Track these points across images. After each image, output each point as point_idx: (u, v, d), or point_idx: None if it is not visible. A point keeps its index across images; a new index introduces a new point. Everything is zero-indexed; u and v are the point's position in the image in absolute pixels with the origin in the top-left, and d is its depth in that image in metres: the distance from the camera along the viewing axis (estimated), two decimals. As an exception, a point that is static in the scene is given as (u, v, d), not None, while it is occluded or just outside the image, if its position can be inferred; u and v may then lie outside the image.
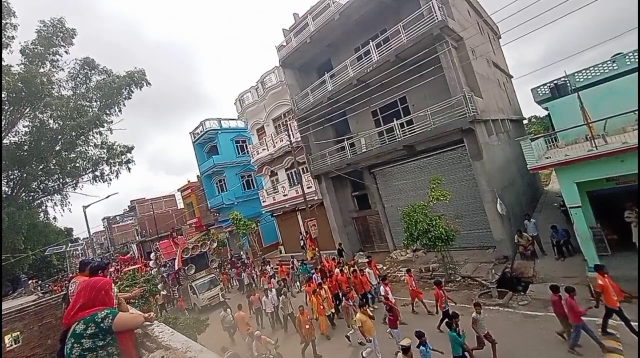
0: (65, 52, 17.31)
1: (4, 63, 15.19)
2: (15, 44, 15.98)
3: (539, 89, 17.41)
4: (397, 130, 14.43)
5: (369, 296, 11.27)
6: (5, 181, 17.31)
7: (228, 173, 29.15)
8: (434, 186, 12.57)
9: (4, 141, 16.26)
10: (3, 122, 15.79)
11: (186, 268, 17.73)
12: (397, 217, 14.62)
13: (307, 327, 8.93)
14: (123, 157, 20.03)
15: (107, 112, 18.40)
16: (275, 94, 21.36)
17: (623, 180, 9.25)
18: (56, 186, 19.41)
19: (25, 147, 16.88)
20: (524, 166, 11.24)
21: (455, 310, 7.56)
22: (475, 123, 12.35)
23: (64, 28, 16.72)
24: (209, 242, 20.66)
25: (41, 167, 17.57)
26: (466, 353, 6.61)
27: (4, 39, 15.30)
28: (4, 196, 16.75)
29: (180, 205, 42.23)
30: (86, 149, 19.39)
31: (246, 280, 18.63)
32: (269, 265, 19.38)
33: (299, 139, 18.81)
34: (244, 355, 10.10)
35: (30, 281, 28.80)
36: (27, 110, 16.40)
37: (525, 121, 31.44)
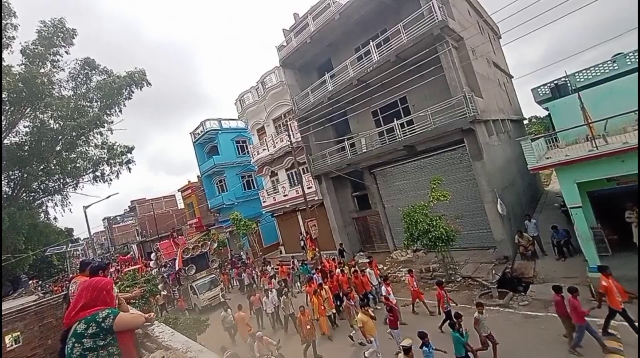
0: (66, 52, 17.34)
1: (4, 63, 15.21)
2: (15, 45, 16.02)
3: (539, 89, 17.40)
4: (398, 130, 14.43)
5: (370, 296, 11.26)
6: (6, 181, 17.33)
7: (228, 173, 29.17)
8: (435, 186, 12.57)
9: (5, 141, 16.28)
10: (4, 123, 15.81)
11: (187, 268, 17.74)
12: (398, 217, 14.62)
13: (308, 327, 8.92)
14: (123, 157, 20.05)
15: (108, 112, 18.41)
16: (276, 94, 21.37)
17: (623, 180, 9.24)
18: (57, 187, 19.43)
19: (26, 147, 16.90)
20: (524, 166, 11.23)
21: (457, 311, 7.53)
22: (475, 123, 12.34)
23: (64, 28, 16.74)
24: (209, 242, 20.67)
25: (42, 167, 17.59)
26: (469, 353, 6.59)
27: (4, 39, 15.32)
28: (5, 196, 16.77)
29: (181, 205, 42.27)
30: (87, 150, 19.41)
31: (246, 280, 18.63)
32: (270, 265, 19.38)
33: (299, 139, 18.82)
34: (244, 355, 10.12)
35: (30, 282, 28.83)
36: (28, 110, 16.42)
37: (525, 121, 31.42)
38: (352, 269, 12.32)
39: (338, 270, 12.84)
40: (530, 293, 9.73)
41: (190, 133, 32.53)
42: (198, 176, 34.11)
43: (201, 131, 30.45)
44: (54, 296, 7.48)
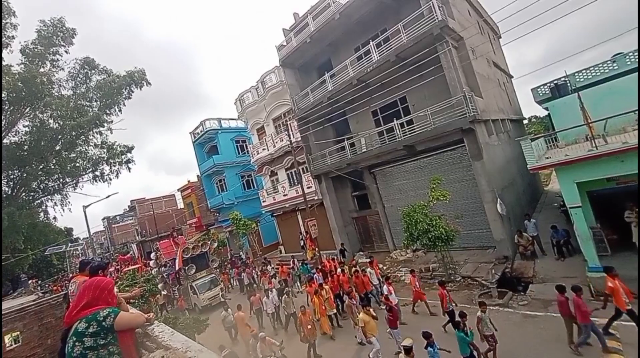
0: (66, 52, 17.30)
1: (4, 63, 15.18)
2: (15, 44, 15.98)
3: (539, 89, 17.40)
4: (397, 130, 14.43)
5: (370, 296, 11.25)
6: (6, 180, 17.31)
7: (228, 173, 29.16)
8: (434, 186, 12.57)
9: (4, 140, 16.26)
10: (3, 122, 15.79)
11: (186, 268, 17.74)
12: (397, 217, 14.63)
13: (309, 327, 8.90)
14: (123, 157, 20.02)
15: (107, 112, 18.39)
16: (276, 93, 21.36)
17: (623, 180, 9.25)
18: (56, 186, 19.40)
19: (26, 147, 16.87)
20: (524, 166, 11.23)
21: (462, 310, 7.49)
22: (475, 123, 12.35)
23: (64, 28, 16.70)
24: (209, 242, 20.65)
25: (41, 167, 17.57)
26: (474, 352, 6.59)
27: (4, 38, 15.29)
28: (4, 195, 16.74)
29: (180, 205, 42.26)
30: (86, 149, 19.38)
31: (246, 280, 18.62)
32: (270, 265, 19.37)
33: (299, 139, 18.81)
34: (244, 355, 10.13)
35: (30, 281, 28.80)
36: (27, 110, 16.39)
37: (525, 121, 31.46)
38: (353, 269, 12.32)
39: (339, 270, 12.83)
40: (529, 292, 9.74)
41: (190, 133, 32.52)
42: (198, 176, 34.11)
43: (201, 131, 30.44)
44: (54, 296, 7.47)
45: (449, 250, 12.29)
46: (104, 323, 2.13)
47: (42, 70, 16.30)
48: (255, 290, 16.70)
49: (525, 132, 25.84)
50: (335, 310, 10.86)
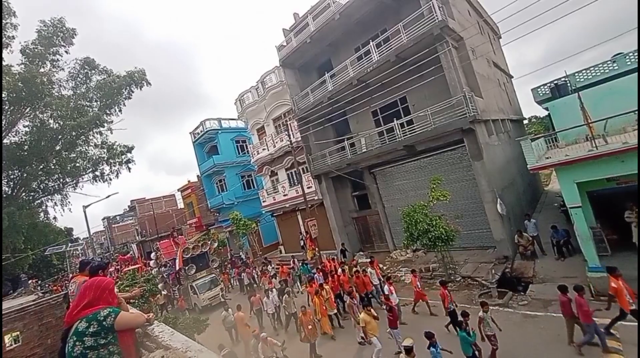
0: (66, 52, 17.30)
1: (4, 63, 15.19)
2: (15, 44, 15.98)
3: (539, 89, 17.40)
4: (397, 130, 14.43)
5: (370, 297, 11.22)
6: (6, 180, 17.31)
7: (228, 173, 29.17)
8: (434, 186, 12.57)
9: (4, 140, 16.26)
10: (3, 122, 15.79)
11: (187, 268, 17.73)
12: (397, 217, 14.62)
13: (310, 327, 8.88)
14: (123, 157, 20.02)
15: (107, 112, 18.39)
16: (276, 94, 21.36)
17: (623, 180, 9.26)
18: (56, 186, 19.40)
19: (26, 147, 16.88)
20: (524, 166, 11.23)
21: (465, 310, 7.49)
22: (475, 123, 12.35)
23: (64, 28, 16.71)
24: (209, 242, 20.65)
25: (41, 167, 17.57)
26: (477, 352, 6.58)
27: (4, 38, 15.29)
28: (4, 195, 16.75)
29: (181, 205, 42.27)
30: (86, 149, 19.38)
31: (246, 280, 18.62)
32: (270, 265, 19.36)
33: (299, 139, 18.82)
34: (244, 355, 10.12)
35: (30, 281, 28.77)
36: (28, 110, 16.39)
37: (525, 121, 31.45)
38: (354, 269, 12.31)
39: (339, 270, 12.83)
40: (529, 292, 9.75)
41: (190, 133, 32.53)
42: (198, 176, 34.12)
43: (201, 131, 30.45)
44: (54, 295, 7.47)
45: (449, 250, 12.28)
46: (104, 322, 2.13)
47: (42, 70, 16.30)
48: (256, 290, 16.69)
49: (526, 133, 25.84)
50: (335, 310, 10.84)
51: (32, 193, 18.76)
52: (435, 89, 13.75)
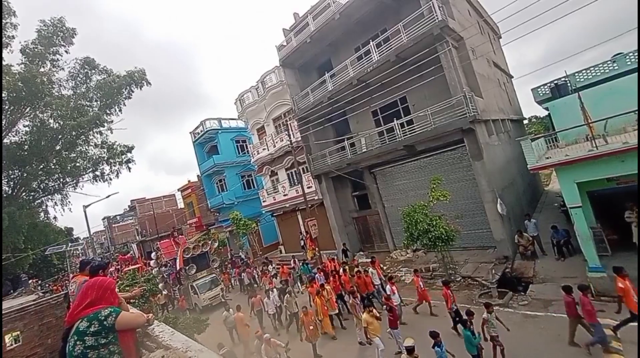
0: (66, 51, 17.33)
1: (4, 63, 15.19)
2: (15, 44, 16.01)
3: (539, 89, 17.41)
4: (398, 130, 14.42)
5: (372, 297, 11.19)
6: (6, 180, 17.32)
7: (228, 173, 29.17)
8: (434, 186, 12.56)
9: (5, 140, 16.27)
10: (3, 122, 15.80)
11: (187, 267, 17.73)
12: (398, 217, 14.62)
13: (311, 327, 8.84)
14: (123, 157, 20.04)
15: (108, 111, 18.40)
16: (276, 93, 21.36)
17: (623, 180, 9.25)
18: (56, 186, 19.42)
19: (26, 146, 16.89)
20: (524, 166, 11.23)
21: (470, 309, 7.46)
22: (475, 123, 12.35)
23: (64, 28, 16.72)
24: (210, 242, 20.65)
25: (41, 166, 17.58)
26: (481, 352, 6.57)
27: (4, 38, 15.30)
28: (5, 195, 16.76)
29: (181, 205, 42.27)
30: (86, 149, 19.40)
31: (246, 280, 18.62)
32: (271, 265, 19.35)
33: (299, 139, 18.82)
34: (244, 355, 10.12)
35: (30, 281, 28.80)
36: (28, 110, 16.41)
37: (525, 121, 31.44)
38: (355, 269, 12.29)
39: (341, 270, 12.82)
40: (529, 292, 9.74)
41: (190, 133, 32.54)
42: (198, 176, 34.13)
43: (201, 131, 30.46)
44: (54, 295, 7.47)
45: (449, 250, 12.28)
46: (105, 322, 2.14)
47: (42, 70, 16.31)
48: (256, 290, 16.69)
49: (526, 133, 25.84)
50: (337, 310, 10.81)
51: (32, 193, 18.78)
52: (435, 89, 13.75)
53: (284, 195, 21.64)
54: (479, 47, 15.62)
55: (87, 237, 26.60)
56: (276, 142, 21.59)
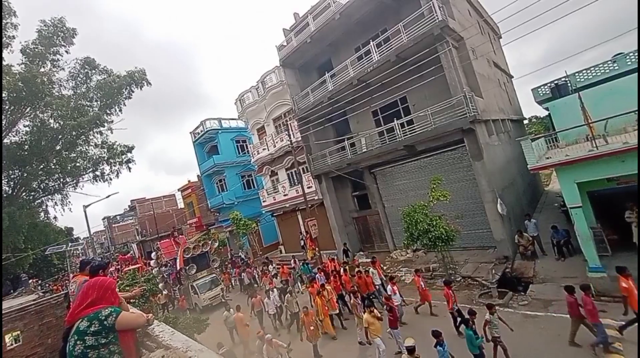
0: (66, 51, 17.35)
1: (4, 63, 15.21)
2: (16, 44, 16.03)
3: (539, 89, 17.41)
4: (398, 130, 14.42)
5: (372, 297, 11.17)
6: (6, 180, 17.34)
7: (228, 173, 29.17)
8: (435, 186, 12.56)
9: (5, 140, 16.29)
10: (4, 122, 15.82)
11: (187, 267, 17.74)
12: (398, 217, 14.62)
13: (312, 328, 8.81)
14: (123, 157, 20.07)
15: (108, 111, 18.43)
16: (276, 93, 21.36)
17: (624, 180, 9.24)
18: (57, 186, 19.45)
19: (26, 146, 16.91)
20: (524, 166, 11.23)
21: (472, 308, 7.46)
22: (475, 123, 12.34)
23: (64, 28, 16.73)
24: (210, 242, 20.65)
25: (42, 166, 17.60)
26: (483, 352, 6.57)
27: (4, 38, 15.31)
28: (5, 195, 16.78)
29: (181, 205, 42.26)
30: (86, 149, 19.44)
31: (246, 280, 18.62)
32: (272, 265, 19.36)
33: (299, 139, 18.82)
34: (244, 355, 10.11)
35: (30, 281, 28.83)
36: (28, 110, 16.42)
37: (525, 121, 31.44)
38: (356, 269, 12.28)
39: (342, 270, 12.81)
40: (530, 293, 9.73)
41: (190, 133, 32.54)
42: (198, 176, 34.13)
43: (201, 131, 30.46)
44: (54, 295, 7.48)
45: (449, 250, 12.27)
46: (105, 322, 2.14)
47: (42, 70, 16.33)
48: (256, 290, 16.69)
49: (526, 133, 25.83)
50: (337, 310, 10.79)
51: (32, 193, 18.80)
52: (435, 89, 13.75)
53: (284, 195, 21.64)
54: (479, 47, 15.62)
55: (87, 237, 26.62)
56: (276, 142, 21.60)
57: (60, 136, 17.39)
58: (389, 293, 9.38)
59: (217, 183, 30.79)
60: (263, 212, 25.88)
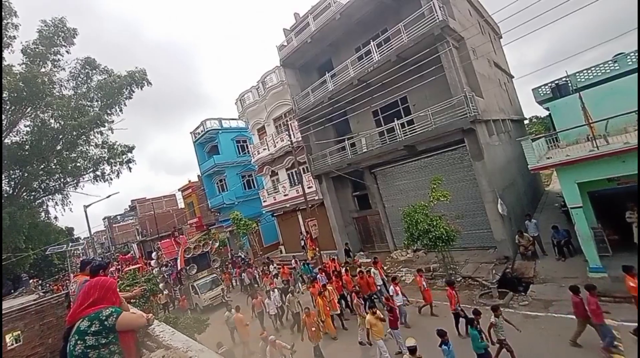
0: (67, 51, 17.32)
1: (5, 63, 15.22)
2: (16, 44, 16.01)
3: (540, 89, 17.41)
4: (398, 130, 14.42)
5: (374, 298, 11.14)
6: (7, 180, 17.35)
7: (229, 173, 29.19)
8: (435, 186, 12.55)
9: (5, 140, 16.29)
10: (4, 122, 15.82)
11: (188, 267, 17.75)
12: (398, 217, 14.61)
13: (314, 329, 8.79)
14: (124, 157, 20.06)
15: (108, 111, 18.41)
16: (276, 93, 21.37)
17: (624, 180, 9.24)
18: (57, 186, 19.44)
19: (27, 146, 16.90)
20: (524, 166, 11.22)
21: (477, 308, 7.44)
22: (476, 123, 12.33)
23: (65, 28, 16.72)
24: (211, 242, 20.67)
25: (42, 166, 17.60)
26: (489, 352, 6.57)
27: (5, 38, 15.32)
28: (5, 195, 16.79)
29: (181, 205, 42.28)
30: (87, 149, 19.42)
31: (247, 280, 18.62)
32: (272, 265, 19.38)
33: (300, 139, 18.82)
34: (244, 355, 10.10)
35: (31, 281, 28.91)
36: (29, 110, 16.42)
37: (526, 121, 31.41)
38: (358, 270, 12.26)
39: (343, 270, 12.81)
40: (530, 293, 9.72)
41: (190, 133, 32.56)
42: (198, 176, 34.15)
43: (202, 131, 30.48)
44: (55, 295, 7.48)
45: (449, 250, 12.26)
46: (106, 322, 2.14)
47: (43, 70, 16.32)
48: (257, 290, 16.69)
49: (526, 133, 25.82)
50: (338, 311, 10.75)
51: (33, 193, 18.80)
52: (436, 89, 13.74)
53: (285, 195, 21.64)
54: (480, 47, 15.61)
55: (88, 237, 26.64)
56: (277, 142, 21.60)
57: (60, 136, 17.39)
58: (391, 293, 9.37)
59: (217, 183, 30.80)
60: (263, 212, 25.88)
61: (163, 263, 19.90)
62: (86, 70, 18.06)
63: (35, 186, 18.49)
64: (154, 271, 21.13)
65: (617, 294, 7.88)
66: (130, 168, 20.35)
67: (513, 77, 25.23)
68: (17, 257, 19.82)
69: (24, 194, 18.15)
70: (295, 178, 21.09)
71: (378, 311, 8.12)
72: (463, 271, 12.28)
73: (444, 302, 9.48)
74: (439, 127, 13.01)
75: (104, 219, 68.65)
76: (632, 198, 9.26)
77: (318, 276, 13.15)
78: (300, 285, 16.03)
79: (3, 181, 16.89)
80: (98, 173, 19.76)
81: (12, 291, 22.08)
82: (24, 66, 15.73)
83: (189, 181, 36.45)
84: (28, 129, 17.25)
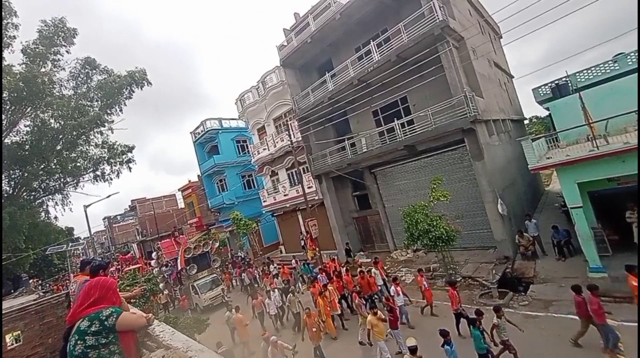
0: (67, 51, 17.34)
1: (5, 63, 15.22)
2: (16, 44, 16.03)
3: (540, 89, 17.41)
4: (398, 130, 14.42)
5: (375, 298, 11.14)
6: (7, 180, 17.36)
7: (229, 173, 29.19)
8: (435, 186, 12.55)
9: (5, 140, 16.30)
10: (4, 122, 15.83)
11: (188, 267, 17.75)
12: (398, 217, 14.61)
13: (314, 329, 8.77)
14: (124, 156, 20.08)
15: (108, 111, 18.43)
16: (276, 93, 21.37)
17: (624, 180, 9.24)
18: (57, 186, 19.45)
19: (27, 146, 16.91)
20: (525, 166, 11.22)
21: (479, 308, 7.42)
22: (476, 123, 12.33)
23: (65, 28, 16.73)
24: (211, 242, 20.66)
25: (42, 166, 17.61)
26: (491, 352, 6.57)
27: (5, 38, 15.33)
28: (5, 195, 16.80)
29: (181, 205, 42.29)
30: (87, 149, 19.44)
31: (247, 280, 18.62)
32: (273, 265, 19.39)
33: (300, 139, 18.82)
34: (244, 355, 10.09)
35: (31, 281, 28.91)
36: (29, 109, 16.43)
37: (526, 121, 31.41)
38: (358, 269, 12.25)
39: (343, 270, 12.80)
40: (530, 293, 9.72)
41: (190, 133, 32.57)
42: (198, 176, 34.16)
43: (202, 131, 30.48)
44: (55, 295, 7.48)
45: (449, 250, 12.25)
46: (106, 322, 2.14)
47: (43, 70, 16.34)
48: (257, 290, 16.68)
49: (526, 133, 25.82)
50: (339, 311, 10.74)
51: (33, 193, 18.81)
52: (436, 89, 13.74)
53: (285, 195, 21.64)
54: (480, 47, 15.61)
55: (88, 237, 26.64)
56: (277, 142, 21.60)
57: (60, 136, 17.41)
58: (392, 293, 9.36)
59: (217, 183, 30.80)
60: (263, 212, 25.88)
61: (163, 263, 19.89)
62: (86, 70, 18.08)
63: (35, 186, 18.50)
64: (154, 271, 21.13)
65: (617, 294, 7.88)
66: (130, 168, 20.37)
67: (513, 77, 25.23)
68: (17, 257, 19.82)
69: (24, 194, 18.16)
70: (295, 178, 21.09)
71: (380, 312, 8.13)
72: (463, 271, 12.28)
73: (444, 302, 9.48)
74: (439, 127, 13.01)
75: (104, 219, 68.66)
76: (632, 198, 9.25)
77: (319, 276, 13.15)
78: (300, 285, 16.03)
79: (3, 181, 16.90)
80: (98, 173, 19.78)
81: (12, 291, 22.08)
82: (24, 65, 15.74)
83: (189, 181, 36.45)
84: (28, 129, 17.26)
